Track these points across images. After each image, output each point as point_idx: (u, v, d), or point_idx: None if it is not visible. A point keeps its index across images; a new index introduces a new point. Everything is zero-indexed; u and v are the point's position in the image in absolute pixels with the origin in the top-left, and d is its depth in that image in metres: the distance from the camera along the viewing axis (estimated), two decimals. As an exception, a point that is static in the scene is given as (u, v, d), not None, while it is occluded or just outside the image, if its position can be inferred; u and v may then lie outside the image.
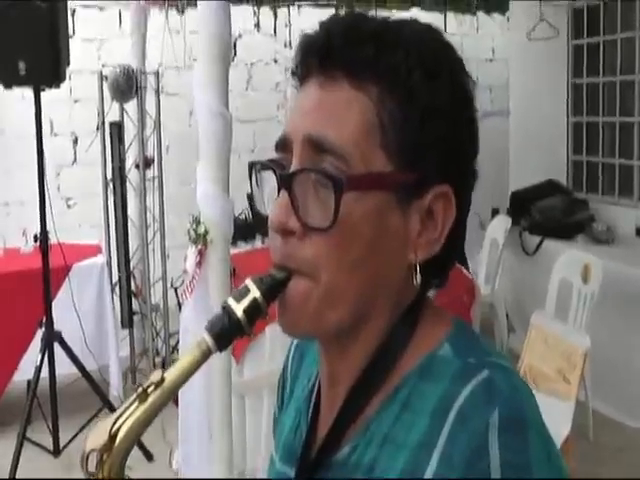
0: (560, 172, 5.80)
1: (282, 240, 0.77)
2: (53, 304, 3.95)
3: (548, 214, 5.16)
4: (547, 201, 5.26)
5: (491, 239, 5.19)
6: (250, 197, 5.15)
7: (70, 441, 3.93)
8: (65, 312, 4.21)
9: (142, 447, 3.97)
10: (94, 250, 4.82)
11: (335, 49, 0.77)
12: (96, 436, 0.75)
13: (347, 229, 0.75)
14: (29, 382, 4.10)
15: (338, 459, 0.81)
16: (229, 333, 0.77)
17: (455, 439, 0.71)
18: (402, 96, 0.76)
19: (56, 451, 3.93)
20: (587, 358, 3.35)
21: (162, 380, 0.75)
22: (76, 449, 3.94)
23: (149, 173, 5.12)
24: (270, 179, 0.81)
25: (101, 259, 4.68)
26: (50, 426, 3.96)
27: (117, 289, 4.96)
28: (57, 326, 3.94)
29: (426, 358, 0.78)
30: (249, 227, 4.91)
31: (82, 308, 4.33)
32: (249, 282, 0.77)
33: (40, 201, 3.91)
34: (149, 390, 0.75)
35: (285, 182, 0.77)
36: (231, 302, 0.76)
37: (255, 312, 0.76)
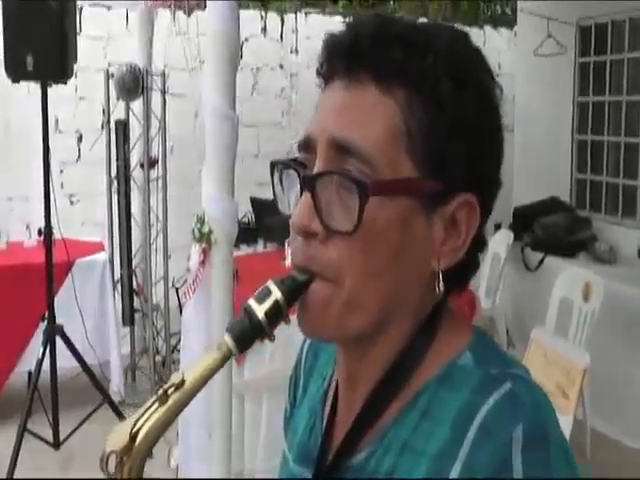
0: (563, 190, 5.81)
1: (304, 242, 0.76)
2: (55, 299, 3.95)
3: (551, 231, 5.17)
4: (550, 218, 5.27)
5: (493, 253, 5.20)
6: (253, 201, 5.16)
7: (70, 434, 3.93)
8: (67, 307, 4.22)
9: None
10: (97, 247, 4.84)
11: (362, 51, 0.76)
12: (116, 438, 0.75)
13: (371, 234, 0.74)
14: (30, 373, 4.09)
15: (355, 464, 0.80)
16: (250, 335, 0.76)
17: (478, 452, 0.70)
18: (430, 103, 0.75)
19: (56, 444, 3.93)
20: (586, 375, 3.35)
21: (182, 382, 0.75)
22: (76, 442, 3.94)
23: (153, 173, 5.12)
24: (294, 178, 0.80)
25: (104, 256, 4.70)
26: (50, 419, 3.95)
27: (119, 287, 4.96)
28: (58, 321, 3.94)
29: (447, 366, 0.77)
30: (251, 231, 4.92)
31: (83, 304, 4.35)
32: (270, 284, 0.76)
33: (45, 195, 3.91)
34: (169, 392, 0.74)
35: (309, 184, 0.76)
36: (252, 303, 0.75)
37: (276, 314, 0.75)
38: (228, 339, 0.76)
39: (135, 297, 5.04)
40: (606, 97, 5.67)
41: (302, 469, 0.88)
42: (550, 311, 4.29)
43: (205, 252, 3.06)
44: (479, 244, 0.80)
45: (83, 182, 6.15)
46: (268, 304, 0.75)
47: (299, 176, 0.77)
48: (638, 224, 5.24)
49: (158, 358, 5.06)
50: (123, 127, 4.89)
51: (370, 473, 0.78)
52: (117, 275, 4.95)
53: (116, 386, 4.63)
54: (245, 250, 4.77)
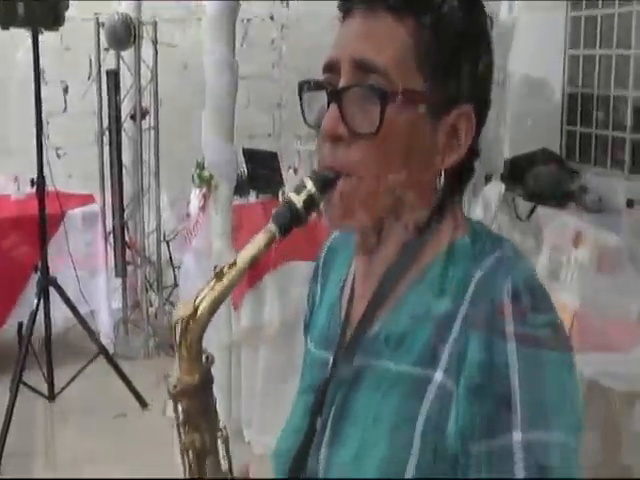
0: (554, 142, 5.86)
1: (332, 146, 0.90)
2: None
3: (541, 181, 5.21)
4: (540, 169, 5.31)
5: (484, 203, 5.24)
6: (245, 152, 5.14)
7: (65, 386, 3.94)
8: (58, 259, 4.20)
9: (137, 395, 4.00)
10: (88, 199, 4.82)
11: None
12: (183, 309, 0.88)
13: (388, 136, 0.88)
14: (20, 325, 4.08)
15: (370, 336, 0.93)
16: (291, 222, 0.88)
17: (475, 306, 0.85)
18: (435, 27, 0.90)
19: (51, 396, 3.93)
20: (575, 319, 3.40)
21: (234, 262, 0.87)
22: (71, 395, 3.95)
23: (144, 124, 5.07)
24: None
25: (95, 207, 4.68)
26: (45, 371, 3.95)
27: (111, 238, 4.93)
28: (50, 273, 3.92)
29: (448, 246, 0.92)
30: (244, 183, 4.90)
31: (75, 256, 4.32)
32: (305, 179, 0.90)
33: (37, 145, 3.90)
34: (224, 270, 0.87)
35: (336, 96, 0.90)
36: (292, 195, 0.89)
37: (311, 204, 0.89)
38: (272, 225, 0.88)
39: (127, 249, 5.02)
40: (597, 51, 5.69)
41: (324, 352, 1.01)
42: (541, 259, 4.34)
43: (205, 197, 3.06)
44: (474, 152, 0.95)
45: (70, 134, 6.05)
46: (304, 195, 0.89)
47: (327, 91, 0.91)
48: (627, 176, 5.30)
49: (151, 310, 5.06)
50: (114, 77, 4.82)
51: (382, 341, 0.92)
52: (109, 227, 4.93)
53: (107, 338, 4.63)
54: (238, 201, 4.75)
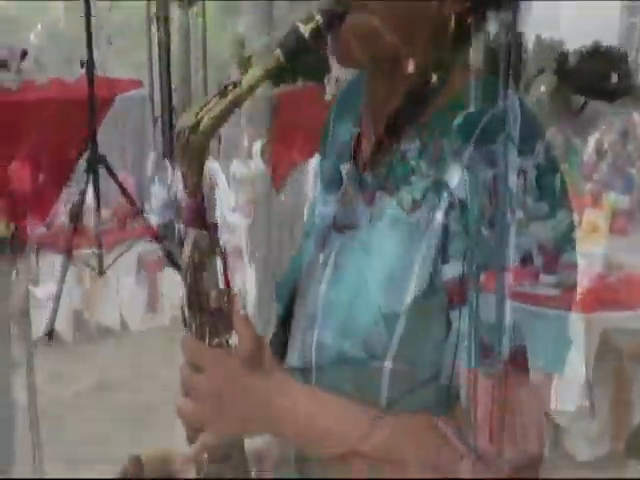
0: (611, 35, 5.65)
1: None
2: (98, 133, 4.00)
3: (594, 75, 5.08)
4: (594, 63, 5.16)
5: (537, 96, 5.14)
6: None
7: (113, 262, 4.09)
8: (108, 142, 4.29)
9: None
10: (136, 85, 4.87)
11: None
12: (186, 118, 0.85)
13: None
14: (72, 206, 4.20)
15: (375, 178, 0.94)
16: (296, 49, 0.86)
17: (479, 149, 0.85)
18: None
19: (100, 270, 4.08)
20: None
21: (240, 81, 0.85)
22: (118, 268, 4.14)
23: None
24: None
25: (143, 92, 4.74)
26: (94, 248, 4.08)
27: (159, 122, 5.01)
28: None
29: (455, 96, 0.90)
30: (289, 70, 4.88)
31: (124, 139, 4.41)
32: (315, 12, 0.87)
33: (87, 29, 3.94)
34: (229, 89, 0.85)
35: None
36: (299, 24, 0.87)
37: (317, 34, 0.86)
38: (278, 50, 0.86)
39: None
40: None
41: (330, 195, 1.02)
42: (589, 149, 4.30)
43: (246, 75, 3.08)
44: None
45: (120, 24, 6.07)
46: (311, 25, 0.87)
47: None
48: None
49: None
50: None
51: (386, 185, 0.93)
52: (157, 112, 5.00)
53: (156, 215, 4.75)
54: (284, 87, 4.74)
